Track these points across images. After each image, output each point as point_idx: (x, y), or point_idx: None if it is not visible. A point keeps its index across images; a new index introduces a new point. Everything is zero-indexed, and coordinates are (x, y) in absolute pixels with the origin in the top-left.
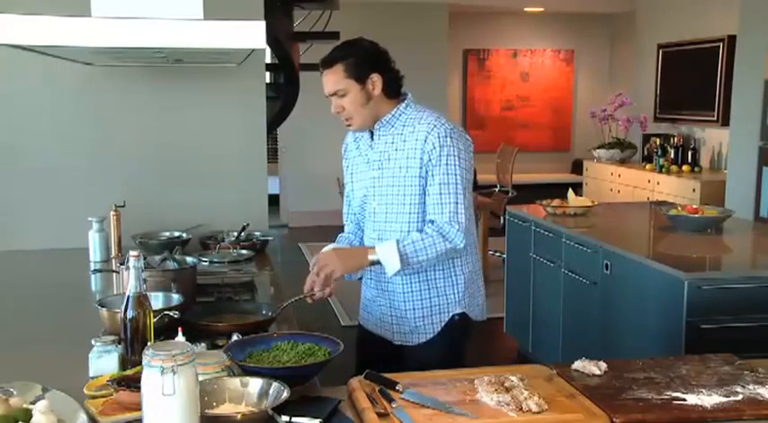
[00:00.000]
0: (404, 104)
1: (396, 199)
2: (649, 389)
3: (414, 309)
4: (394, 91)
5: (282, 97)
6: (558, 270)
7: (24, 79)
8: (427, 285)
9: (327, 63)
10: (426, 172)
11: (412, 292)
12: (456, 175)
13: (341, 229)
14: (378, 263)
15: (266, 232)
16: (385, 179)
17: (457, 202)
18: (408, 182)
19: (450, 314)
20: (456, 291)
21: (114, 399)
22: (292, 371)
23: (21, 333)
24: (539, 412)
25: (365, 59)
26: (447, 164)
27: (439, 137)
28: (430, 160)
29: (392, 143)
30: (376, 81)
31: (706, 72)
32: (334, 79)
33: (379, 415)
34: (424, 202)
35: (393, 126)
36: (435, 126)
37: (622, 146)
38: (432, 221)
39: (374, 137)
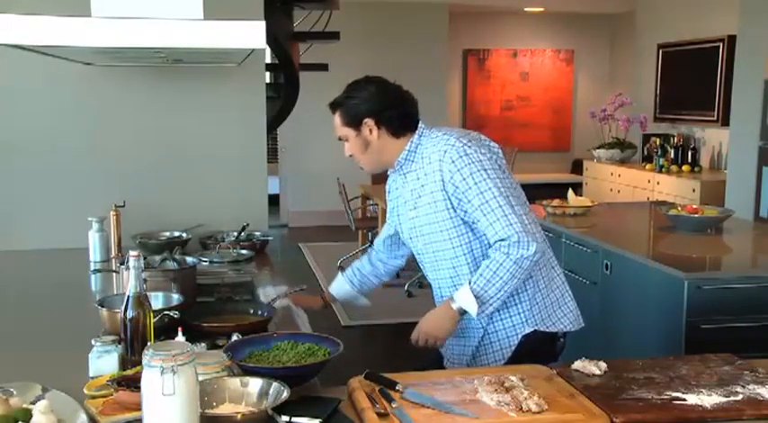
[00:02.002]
0: (416, 137)
1: (436, 237)
2: (649, 389)
3: (474, 337)
4: (401, 129)
5: (282, 97)
6: None
7: (24, 79)
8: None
9: (331, 108)
10: (458, 201)
11: (475, 325)
12: (490, 189)
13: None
14: (465, 311)
15: (266, 232)
16: (421, 219)
17: (505, 215)
18: (441, 217)
19: (519, 336)
20: (520, 310)
21: (114, 399)
22: (292, 371)
23: (21, 333)
24: (539, 412)
25: (358, 104)
26: (476, 183)
27: (453, 161)
28: (456, 188)
29: (418, 180)
30: (371, 125)
31: (706, 72)
32: (336, 125)
33: (379, 415)
34: (465, 232)
35: (414, 161)
36: (446, 151)
37: (622, 146)
38: (491, 244)
39: (402, 177)
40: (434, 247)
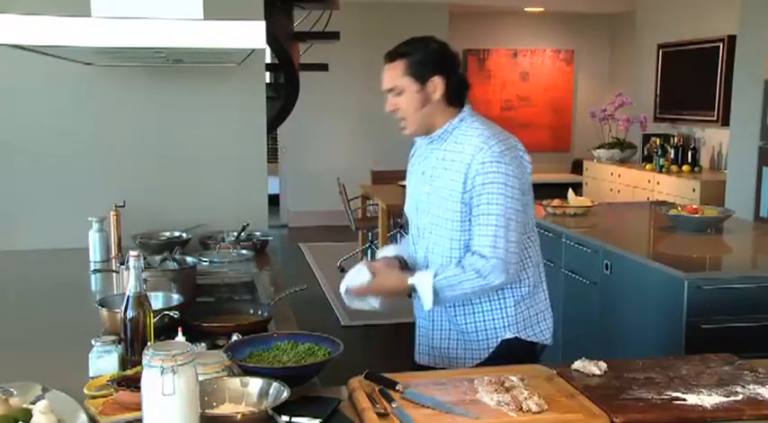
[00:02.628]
0: (457, 118)
1: (441, 221)
2: (649, 389)
3: (456, 331)
4: (456, 99)
5: (282, 97)
6: (558, 270)
7: (24, 79)
8: (472, 310)
9: (390, 57)
10: (471, 198)
11: (455, 313)
12: (498, 204)
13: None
14: (416, 291)
15: (266, 232)
16: (433, 198)
17: (495, 236)
18: (451, 206)
19: (500, 339)
20: (504, 314)
21: (114, 399)
22: (292, 371)
23: (21, 333)
24: (539, 412)
25: (430, 59)
26: (489, 193)
27: (483, 163)
28: (473, 187)
29: (443, 159)
30: (438, 84)
31: (706, 72)
32: (392, 75)
33: (379, 415)
34: (468, 230)
35: (445, 141)
36: (482, 149)
37: (622, 146)
38: (472, 252)
39: (428, 149)
40: (436, 230)
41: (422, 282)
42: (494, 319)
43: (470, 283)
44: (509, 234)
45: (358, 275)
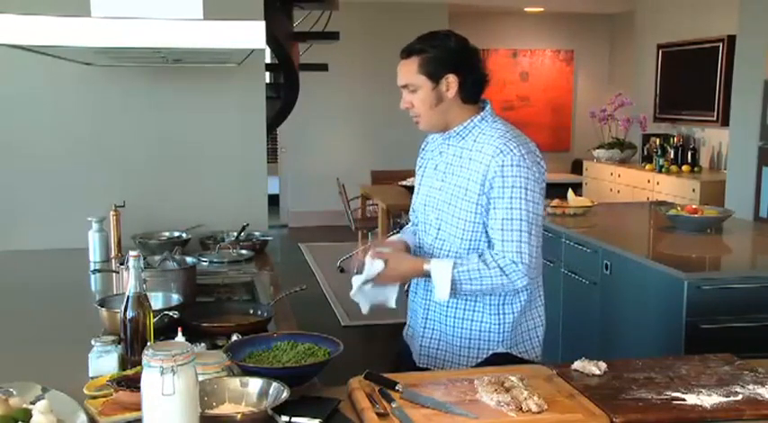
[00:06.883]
0: (479, 117)
1: (451, 219)
2: (649, 389)
3: (451, 336)
4: (472, 96)
5: (282, 97)
6: (558, 270)
7: (24, 79)
8: (471, 317)
9: (404, 53)
10: (488, 200)
11: (455, 318)
12: (521, 210)
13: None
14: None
15: (266, 232)
16: (444, 195)
17: (521, 241)
18: (465, 206)
19: (491, 352)
20: (501, 330)
21: (114, 399)
22: (292, 371)
23: (21, 333)
24: (539, 412)
25: (445, 57)
26: (512, 198)
27: (503, 166)
28: (492, 188)
29: (459, 157)
30: (451, 82)
31: (706, 72)
32: (406, 72)
33: (379, 415)
34: (479, 231)
35: (464, 138)
36: (502, 152)
37: (622, 146)
38: (493, 248)
39: (444, 145)
40: (444, 226)
41: (440, 270)
42: (490, 332)
43: (492, 280)
44: (532, 238)
45: (372, 267)
